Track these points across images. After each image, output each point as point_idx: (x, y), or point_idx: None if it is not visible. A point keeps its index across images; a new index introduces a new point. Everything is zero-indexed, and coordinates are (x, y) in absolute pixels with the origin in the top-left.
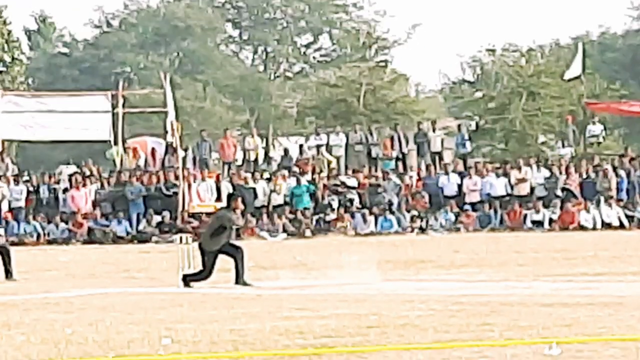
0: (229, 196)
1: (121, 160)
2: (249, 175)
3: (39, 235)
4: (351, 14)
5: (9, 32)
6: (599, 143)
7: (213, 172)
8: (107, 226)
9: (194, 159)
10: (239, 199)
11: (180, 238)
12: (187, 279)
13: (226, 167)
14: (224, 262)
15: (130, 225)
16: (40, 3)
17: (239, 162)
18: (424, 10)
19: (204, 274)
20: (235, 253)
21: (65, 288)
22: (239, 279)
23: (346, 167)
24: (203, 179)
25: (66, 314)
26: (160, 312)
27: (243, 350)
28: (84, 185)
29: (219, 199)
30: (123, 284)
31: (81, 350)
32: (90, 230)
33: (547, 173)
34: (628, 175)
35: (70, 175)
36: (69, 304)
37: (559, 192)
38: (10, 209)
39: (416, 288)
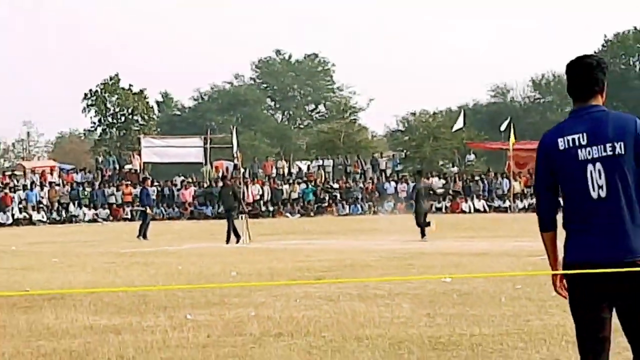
0: (223, 177)
1: (209, 174)
2: (279, 182)
3: (162, 216)
4: (336, 93)
5: (147, 103)
6: (473, 164)
7: (259, 180)
8: (202, 210)
9: (249, 172)
10: (230, 180)
11: (242, 217)
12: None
13: (267, 178)
14: (262, 228)
15: (214, 209)
16: (164, 86)
17: (274, 175)
18: (377, 90)
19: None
20: (228, 221)
21: (177, 244)
22: (230, 239)
23: (332, 178)
24: (254, 184)
25: (178, 258)
26: (230, 257)
27: (277, 279)
28: (189, 187)
29: (262, 196)
30: (210, 242)
31: (186, 279)
32: (191, 212)
33: (444, 181)
34: (490, 183)
35: (182, 182)
36: (179, 252)
37: (451, 192)
38: None
39: (373, 244)
